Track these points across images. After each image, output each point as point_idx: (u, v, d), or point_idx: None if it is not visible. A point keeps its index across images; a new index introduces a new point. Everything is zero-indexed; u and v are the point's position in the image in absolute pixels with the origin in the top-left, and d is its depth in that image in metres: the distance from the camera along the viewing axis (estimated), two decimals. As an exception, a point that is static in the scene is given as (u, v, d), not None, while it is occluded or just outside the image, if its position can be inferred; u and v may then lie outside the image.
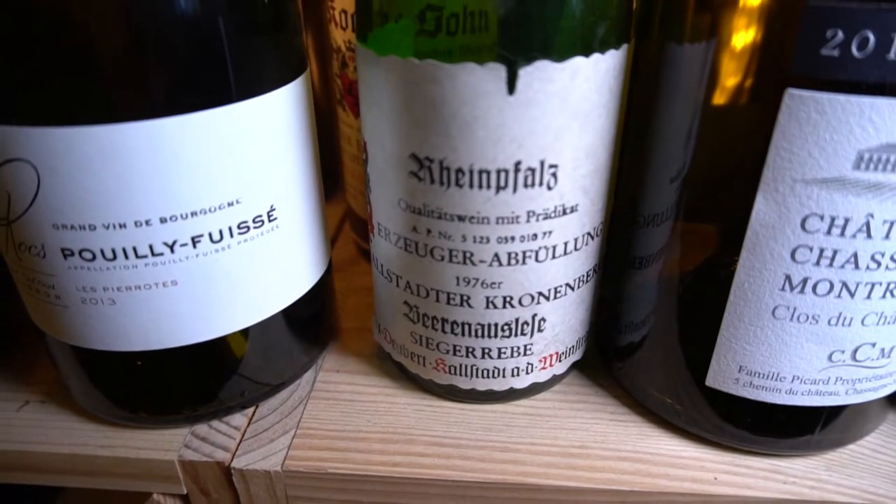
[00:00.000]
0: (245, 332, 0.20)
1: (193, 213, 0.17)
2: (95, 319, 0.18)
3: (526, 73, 0.15)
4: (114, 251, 0.16)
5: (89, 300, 0.17)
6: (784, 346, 0.17)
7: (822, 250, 0.15)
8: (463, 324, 0.19)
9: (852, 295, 0.16)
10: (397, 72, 0.16)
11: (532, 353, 0.20)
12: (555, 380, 0.21)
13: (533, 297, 0.18)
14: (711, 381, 0.18)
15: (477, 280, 0.18)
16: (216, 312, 0.18)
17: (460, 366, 0.20)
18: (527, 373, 0.20)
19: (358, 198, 0.28)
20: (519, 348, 0.20)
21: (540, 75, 0.15)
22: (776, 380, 0.17)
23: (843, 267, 0.15)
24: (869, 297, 0.16)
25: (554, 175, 0.16)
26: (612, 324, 0.22)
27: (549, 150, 0.16)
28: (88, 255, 0.16)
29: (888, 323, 0.16)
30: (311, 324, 0.22)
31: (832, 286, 0.16)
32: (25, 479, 0.21)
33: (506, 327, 0.19)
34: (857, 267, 0.15)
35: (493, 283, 0.18)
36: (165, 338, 0.18)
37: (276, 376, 0.22)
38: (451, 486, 0.19)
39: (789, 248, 0.15)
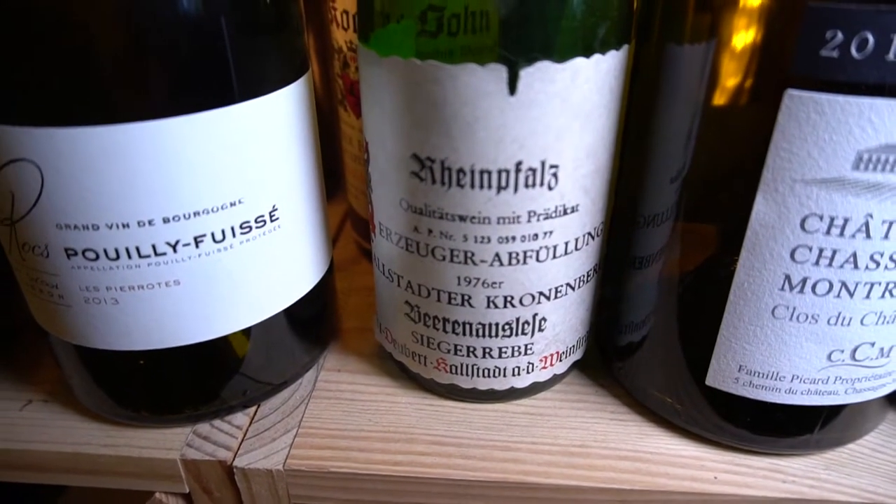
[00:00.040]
0: (247, 332, 0.20)
1: (196, 213, 0.17)
2: (98, 319, 0.18)
3: (527, 74, 0.15)
4: (117, 251, 0.16)
5: (92, 300, 0.17)
6: (783, 346, 0.17)
7: (821, 250, 0.15)
8: (464, 323, 0.19)
9: (851, 295, 0.16)
10: (399, 72, 0.16)
11: (533, 353, 0.20)
12: (555, 379, 0.22)
13: (534, 297, 0.19)
14: (711, 380, 0.18)
15: (478, 280, 0.18)
16: (218, 312, 0.18)
17: (461, 365, 0.20)
18: (527, 372, 0.20)
19: (359, 198, 0.28)
20: (520, 348, 0.20)
21: (541, 76, 0.15)
22: (776, 379, 0.17)
23: (842, 267, 0.15)
24: (868, 296, 0.16)
25: (555, 175, 0.16)
26: (612, 323, 0.22)
27: (550, 151, 0.16)
28: (92, 255, 0.16)
29: (887, 322, 0.16)
30: (312, 323, 0.22)
31: (831, 286, 0.16)
32: (28, 477, 0.21)
33: (507, 327, 0.19)
34: (856, 267, 0.15)
35: (494, 283, 0.18)
36: (168, 337, 0.18)
37: (277, 375, 0.22)
38: (453, 484, 0.19)
39: (789, 248, 0.15)
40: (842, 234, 0.15)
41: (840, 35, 0.13)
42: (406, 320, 0.20)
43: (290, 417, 0.21)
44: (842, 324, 0.16)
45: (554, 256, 0.18)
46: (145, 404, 0.20)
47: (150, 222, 0.16)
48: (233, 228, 0.17)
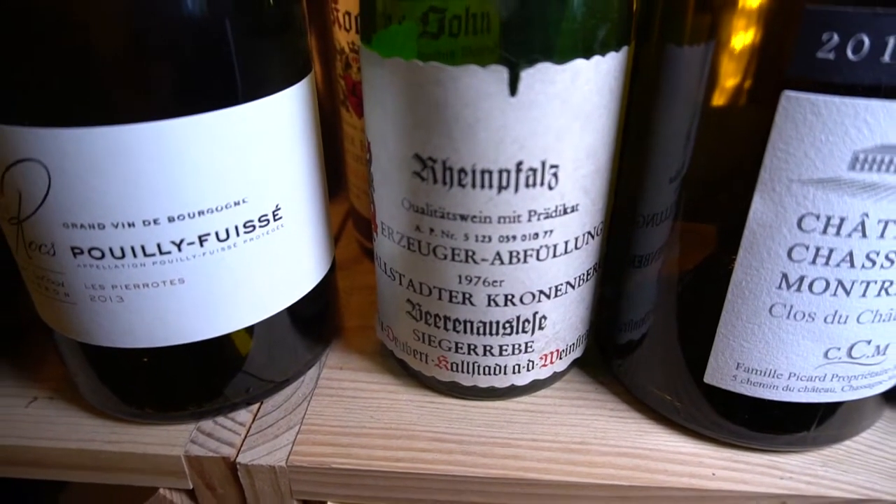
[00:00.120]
0: (250, 330, 0.20)
1: (200, 213, 0.17)
2: (103, 316, 0.18)
3: (528, 75, 0.15)
4: (122, 249, 0.17)
5: (98, 297, 0.17)
6: (781, 344, 0.17)
7: (818, 249, 0.15)
8: (465, 321, 0.19)
9: (848, 293, 0.16)
10: (401, 73, 0.16)
11: (533, 351, 0.20)
12: (555, 377, 0.22)
13: (534, 296, 0.19)
14: (710, 377, 0.19)
15: (479, 278, 0.18)
16: (222, 310, 0.19)
17: (462, 363, 0.20)
18: (528, 370, 0.21)
19: (361, 197, 0.29)
20: (520, 346, 0.20)
21: (541, 77, 0.15)
22: (773, 376, 0.18)
23: (838, 265, 0.16)
24: (864, 295, 0.16)
25: (555, 175, 0.17)
26: (611, 322, 0.22)
27: (551, 151, 0.16)
28: (97, 254, 0.17)
29: (883, 320, 0.16)
30: (314, 322, 0.23)
31: (828, 284, 0.16)
32: (33, 473, 0.21)
33: (507, 325, 0.19)
34: (852, 265, 0.15)
35: (495, 282, 0.18)
36: (172, 335, 0.18)
37: (280, 373, 0.22)
38: (453, 480, 0.19)
39: (786, 247, 0.16)
40: (838, 233, 0.15)
41: (836, 37, 0.13)
42: (407, 318, 0.21)
43: (293, 414, 0.21)
44: (838, 322, 0.16)
45: (554, 255, 0.18)
46: (149, 401, 0.20)
47: (155, 221, 0.16)
48: (237, 227, 0.18)
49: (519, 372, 0.20)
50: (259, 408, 0.22)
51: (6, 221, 0.17)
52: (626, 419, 0.21)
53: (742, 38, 0.15)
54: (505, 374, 0.20)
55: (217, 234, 0.17)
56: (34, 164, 0.15)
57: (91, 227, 0.16)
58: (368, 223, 0.26)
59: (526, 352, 0.20)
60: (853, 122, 0.14)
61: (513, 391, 0.21)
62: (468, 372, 0.21)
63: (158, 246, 0.17)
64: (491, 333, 0.19)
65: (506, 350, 0.20)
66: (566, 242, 0.18)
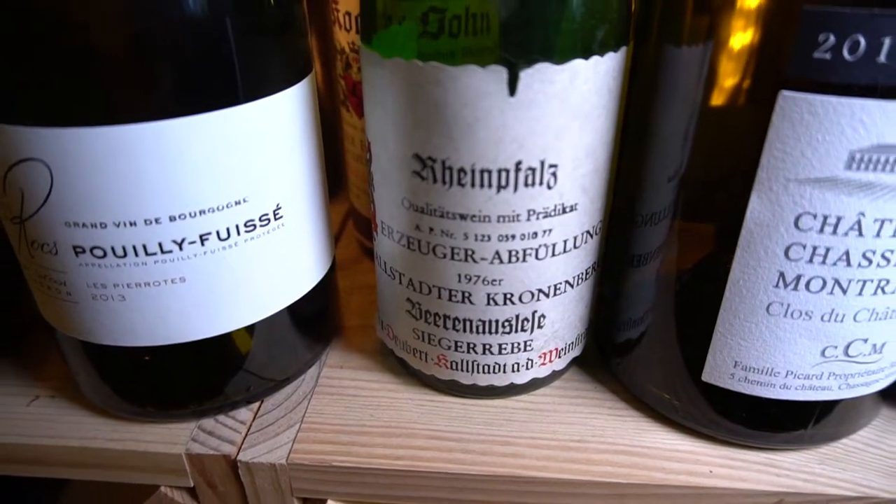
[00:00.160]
0: (251, 329, 0.20)
1: (201, 212, 0.17)
2: (105, 315, 0.18)
3: (526, 75, 0.15)
4: (124, 248, 0.17)
5: (100, 296, 0.18)
6: (778, 342, 0.17)
7: (814, 248, 0.16)
8: (464, 320, 0.19)
9: (844, 291, 0.16)
10: (401, 74, 0.16)
11: (532, 349, 0.20)
12: (554, 375, 0.22)
13: (533, 294, 0.19)
14: (707, 376, 0.19)
15: (478, 277, 0.18)
16: (223, 309, 0.19)
17: (462, 361, 0.20)
18: (527, 368, 0.21)
19: (361, 197, 0.29)
20: (519, 344, 0.20)
21: (540, 77, 0.15)
22: (770, 375, 0.18)
23: (835, 264, 0.16)
24: (861, 293, 0.16)
25: (554, 175, 0.17)
26: (610, 321, 0.22)
27: (550, 150, 0.16)
28: (99, 253, 0.17)
29: (879, 319, 0.17)
30: (315, 320, 0.23)
31: (825, 283, 0.16)
32: (36, 471, 0.21)
33: (506, 324, 0.19)
34: (849, 264, 0.16)
35: (494, 281, 0.18)
36: (173, 333, 0.19)
37: (280, 372, 0.22)
38: (452, 478, 0.19)
39: (783, 246, 0.16)
40: (835, 232, 0.15)
41: (832, 38, 0.13)
42: (407, 317, 0.21)
43: (293, 413, 0.21)
44: (835, 320, 0.17)
45: (553, 254, 0.18)
46: (151, 400, 0.20)
47: (156, 220, 0.17)
48: (237, 227, 0.18)
49: (518, 370, 0.21)
50: (260, 406, 0.22)
51: (9, 221, 0.17)
52: (624, 417, 0.21)
53: (739, 38, 0.15)
54: (504, 372, 0.21)
55: (218, 233, 0.17)
56: (37, 163, 0.15)
57: (93, 227, 0.16)
58: (368, 223, 0.26)
59: (525, 350, 0.20)
60: (849, 122, 0.14)
61: (512, 389, 0.21)
62: (467, 370, 0.21)
63: (160, 245, 0.17)
64: (490, 332, 0.20)
65: (505, 349, 0.20)
66: (565, 241, 0.18)
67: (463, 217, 0.17)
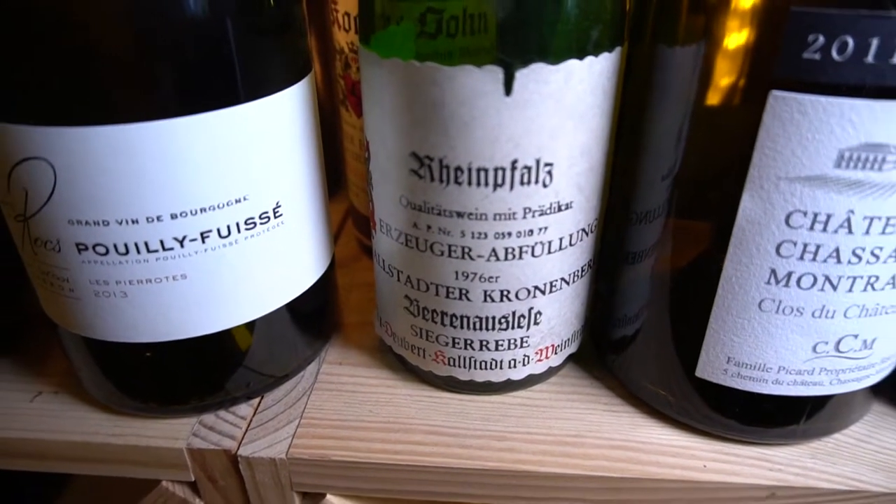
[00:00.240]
0: (251, 325, 0.20)
1: (202, 210, 0.17)
2: (107, 311, 0.18)
3: (522, 75, 0.15)
4: (126, 246, 0.17)
5: (102, 293, 0.18)
6: (770, 338, 0.17)
7: (805, 245, 0.16)
8: (462, 317, 0.20)
9: (835, 288, 0.16)
10: (399, 74, 0.16)
11: (529, 346, 0.20)
12: (551, 372, 0.22)
13: (529, 291, 0.19)
14: (701, 372, 0.19)
15: (475, 274, 0.19)
16: (223, 305, 0.19)
17: (459, 358, 0.21)
18: (523, 364, 0.21)
19: (360, 195, 0.29)
20: (516, 341, 0.20)
21: (536, 77, 0.16)
22: (762, 370, 0.18)
23: (825, 261, 0.16)
24: (851, 290, 0.16)
25: (549, 173, 0.17)
26: (606, 317, 0.22)
27: (545, 149, 0.17)
28: (102, 250, 0.17)
29: (869, 315, 0.17)
30: (314, 317, 0.23)
31: (816, 280, 0.16)
32: (38, 466, 0.21)
33: (503, 320, 0.20)
34: (839, 261, 0.16)
35: (491, 278, 0.19)
36: (174, 330, 0.19)
37: (280, 368, 0.22)
38: (450, 473, 0.20)
39: (774, 244, 0.16)
40: (825, 229, 0.15)
41: (822, 38, 0.14)
42: (405, 314, 0.21)
43: (293, 408, 0.22)
44: (826, 316, 0.17)
45: (549, 252, 0.19)
46: (152, 395, 0.21)
47: (158, 218, 0.17)
48: (238, 224, 0.18)
49: (515, 366, 0.21)
50: (260, 402, 0.22)
51: (12, 219, 0.17)
52: (619, 413, 0.21)
53: (732, 39, 0.15)
54: (501, 368, 0.21)
55: (219, 230, 0.18)
56: (40, 162, 0.16)
57: (95, 224, 0.17)
58: (367, 221, 0.26)
59: (521, 347, 0.20)
60: (838, 121, 0.14)
61: (509, 385, 0.22)
62: (465, 367, 0.21)
63: (161, 242, 0.17)
64: (487, 329, 0.20)
65: (502, 345, 0.20)
66: (561, 239, 0.18)
67: (460, 215, 0.18)
